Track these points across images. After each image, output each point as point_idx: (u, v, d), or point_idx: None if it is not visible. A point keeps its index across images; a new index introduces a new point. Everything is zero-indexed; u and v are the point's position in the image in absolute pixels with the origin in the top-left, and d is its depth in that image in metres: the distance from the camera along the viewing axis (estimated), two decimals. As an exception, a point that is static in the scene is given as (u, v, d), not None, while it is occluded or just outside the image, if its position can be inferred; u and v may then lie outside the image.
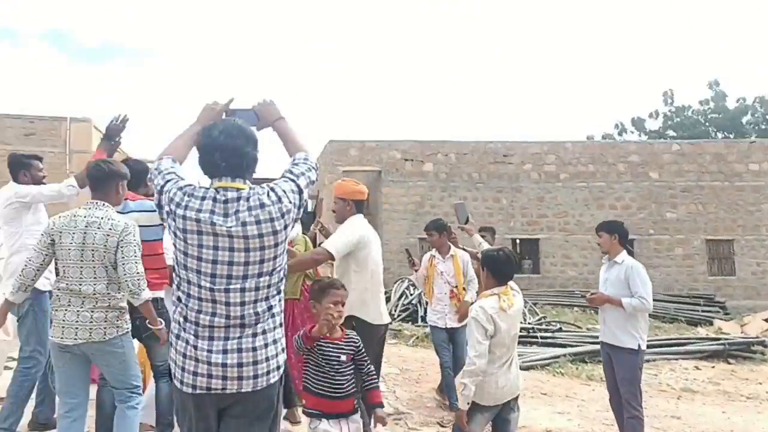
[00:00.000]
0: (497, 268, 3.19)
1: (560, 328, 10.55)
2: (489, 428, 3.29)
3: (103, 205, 3.07)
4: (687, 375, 8.25)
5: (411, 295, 11.98)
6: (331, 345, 2.84)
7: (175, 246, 2.02)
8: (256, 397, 1.99)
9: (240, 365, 1.93)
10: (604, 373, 4.51)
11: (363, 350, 2.96)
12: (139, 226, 3.21)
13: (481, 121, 78.78)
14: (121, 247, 2.95)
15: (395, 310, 11.56)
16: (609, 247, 4.43)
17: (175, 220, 1.97)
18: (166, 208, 2.01)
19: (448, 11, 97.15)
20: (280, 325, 2.07)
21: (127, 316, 3.10)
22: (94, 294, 2.93)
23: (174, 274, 2.07)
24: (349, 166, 19.51)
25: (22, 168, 4.09)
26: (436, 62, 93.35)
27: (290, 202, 2.01)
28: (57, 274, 3.05)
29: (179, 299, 2.03)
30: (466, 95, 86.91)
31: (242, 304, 1.95)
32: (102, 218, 2.99)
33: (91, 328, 2.91)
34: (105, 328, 2.94)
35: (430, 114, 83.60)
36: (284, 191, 2.02)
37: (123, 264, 2.93)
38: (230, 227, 1.91)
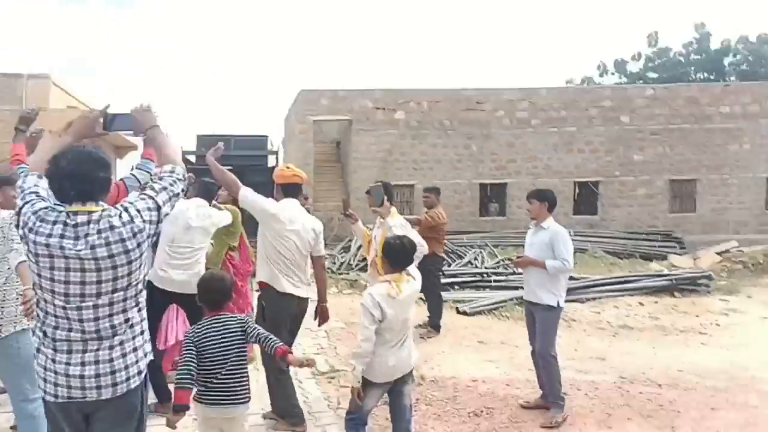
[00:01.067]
0: (392, 256, 3.33)
1: (514, 271, 10.82)
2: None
3: None
4: (629, 311, 8.62)
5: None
6: None
7: (30, 267, 2.11)
8: (118, 403, 2.14)
9: (98, 375, 2.08)
10: (527, 329, 4.78)
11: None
12: None
13: (455, 68, 77.70)
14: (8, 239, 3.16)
15: (354, 260, 11.72)
16: (539, 213, 4.62)
17: (27, 245, 2.05)
18: (20, 232, 2.09)
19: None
20: (141, 333, 2.21)
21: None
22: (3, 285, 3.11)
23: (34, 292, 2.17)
24: (320, 116, 19.34)
25: None
26: (408, 7, 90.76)
27: (143, 221, 2.10)
28: None
29: (39, 316, 2.14)
30: (440, 41, 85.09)
31: (96, 319, 2.07)
32: None
33: None
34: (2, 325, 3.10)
35: (403, 62, 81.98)
36: (138, 210, 2.11)
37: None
38: (79, 251, 2.00)
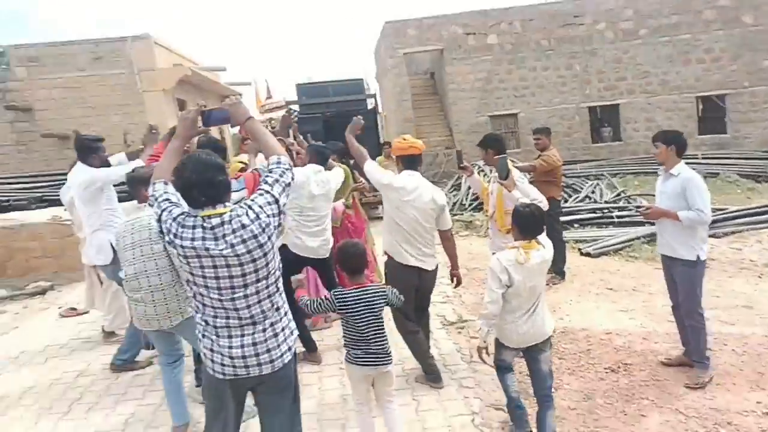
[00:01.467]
0: (522, 224, 3.31)
1: (637, 205, 10.20)
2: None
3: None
4: (774, 246, 7.88)
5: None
6: None
7: (182, 268, 2.36)
8: (278, 376, 2.43)
9: (257, 355, 2.36)
10: (666, 284, 4.48)
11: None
12: None
13: None
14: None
15: (466, 200, 11.53)
16: (665, 158, 4.21)
17: (176, 248, 2.27)
18: (167, 238, 2.28)
19: None
20: (285, 314, 2.49)
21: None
22: (160, 284, 3.35)
23: (188, 287, 2.41)
24: (409, 48, 18.83)
25: (92, 152, 4.49)
26: None
27: (268, 216, 2.29)
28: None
29: (197, 308, 2.39)
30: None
31: (248, 306, 2.32)
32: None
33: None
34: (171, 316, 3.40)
35: None
36: (261, 207, 2.29)
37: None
38: (221, 250, 2.22)
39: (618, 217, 9.51)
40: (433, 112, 20.13)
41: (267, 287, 2.34)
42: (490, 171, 4.91)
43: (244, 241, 2.21)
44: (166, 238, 2.27)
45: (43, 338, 5.72)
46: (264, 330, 2.35)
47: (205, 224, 2.22)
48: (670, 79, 17.57)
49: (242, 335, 2.32)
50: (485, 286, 3.35)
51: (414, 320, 4.26)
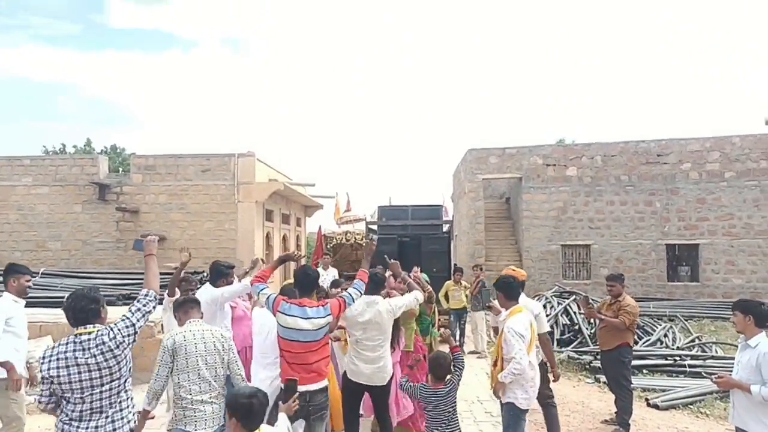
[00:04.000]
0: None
1: (712, 355, 9.80)
2: None
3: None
4: None
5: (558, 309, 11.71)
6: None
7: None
8: None
9: None
10: None
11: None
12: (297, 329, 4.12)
13: (630, 119, 73.43)
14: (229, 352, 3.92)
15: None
16: (743, 328, 4.21)
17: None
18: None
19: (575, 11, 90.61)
20: (127, 407, 3.21)
21: None
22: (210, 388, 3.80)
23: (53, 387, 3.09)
24: (489, 174, 19.60)
25: (222, 276, 5.22)
26: (577, 60, 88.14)
27: (123, 336, 3.14)
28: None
29: (62, 405, 3.08)
30: (611, 91, 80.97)
31: (100, 399, 3.09)
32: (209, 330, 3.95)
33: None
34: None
35: (576, 116, 79.46)
36: (119, 329, 3.15)
37: (233, 364, 3.91)
38: (86, 358, 3.04)
39: (690, 366, 9.14)
40: (505, 236, 20.45)
41: (118, 386, 3.12)
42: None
43: (102, 353, 3.03)
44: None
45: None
46: (107, 417, 3.09)
47: (76, 339, 3.06)
48: (755, 224, 17.17)
49: (90, 420, 3.07)
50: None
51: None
